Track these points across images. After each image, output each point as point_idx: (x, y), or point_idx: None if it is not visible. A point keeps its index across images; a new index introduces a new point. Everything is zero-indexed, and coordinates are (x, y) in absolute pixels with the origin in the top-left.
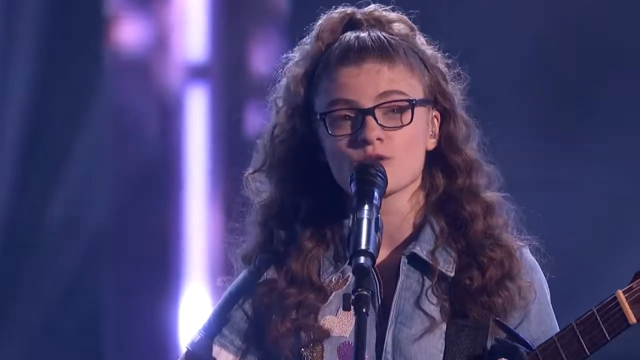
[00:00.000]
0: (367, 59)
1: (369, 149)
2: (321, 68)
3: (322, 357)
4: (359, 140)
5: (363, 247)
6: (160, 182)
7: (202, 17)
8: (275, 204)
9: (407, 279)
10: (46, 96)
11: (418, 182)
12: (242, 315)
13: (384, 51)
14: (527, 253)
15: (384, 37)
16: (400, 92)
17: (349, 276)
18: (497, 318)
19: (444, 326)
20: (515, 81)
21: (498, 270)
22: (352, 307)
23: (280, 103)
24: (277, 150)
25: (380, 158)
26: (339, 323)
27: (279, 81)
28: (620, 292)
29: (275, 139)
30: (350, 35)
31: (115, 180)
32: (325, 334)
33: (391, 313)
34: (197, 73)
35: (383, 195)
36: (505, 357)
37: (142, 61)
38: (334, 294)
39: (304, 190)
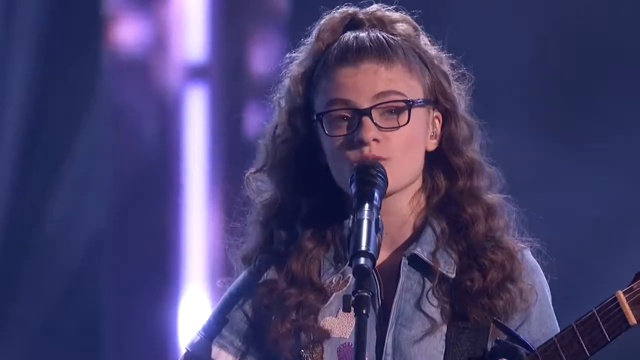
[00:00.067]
0: (365, 59)
1: (366, 149)
2: (320, 68)
3: (322, 358)
4: (355, 141)
5: (363, 248)
6: (160, 182)
7: (201, 16)
8: (276, 204)
9: (408, 280)
10: (45, 96)
11: (419, 184)
12: (242, 316)
13: (382, 51)
14: (528, 255)
15: (383, 37)
16: (398, 93)
17: (349, 277)
18: (497, 319)
19: (444, 328)
20: (515, 82)
21: (499, 273)
22: (352, 308)
23: (282, 103)
24: (278, 151)
25: (377, 159)
26: (339, 324)
27: (282, 81)
28: (620, 292)
29: (276, 139)
30: (349, 35)
31: (115, 181)
32: (325, 335)
33: (391, 314)
34: (197, 73)
35: (383, 196)
36: (505, 358)
37: (141, 61)
38: (334, 295)
39: (305, 191)
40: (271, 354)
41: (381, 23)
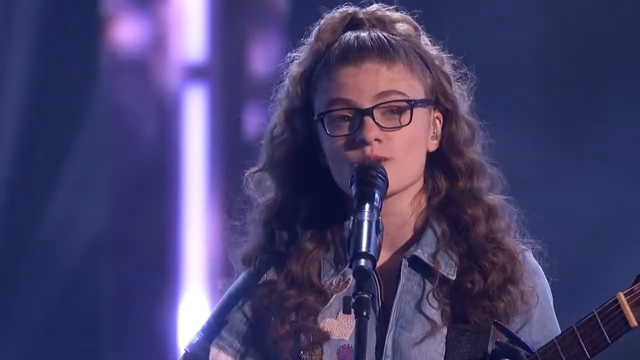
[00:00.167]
0: (367, 59)
1: (367, 149)
2: (321, 68)
3: (322, 359)
4: (357, 141)
5: (364, 249)
6: (159, 182)
7: (200, 16)
8: (276, 205)
9: (408, 282)
10: (44, 96)
11: (420, 185)
12: (242, 317)
13: (384, 51)
14: (529, 257)
15: (384, 37)
16: (400, 93)
17: (349, 279)
18: (498, 321)
19: (444, 330)
20: (515, 82)
21: (500, 275)
22: (352, 310)
23: (281, 103)
24: (277, 151)
25: (380, 159)
26: (338, 326)
27: (281, 82)
28: (621, 294)
29: (275, 139)
30: (350, 35)
31: (114, 181)
32: (325, 336)
33: (391, 316)
34: (196, 73)
35: (384, 197)
36: None
37: (140, 61)
38: (334, 296)
39: (304, 192)
40: (270, 356)
41: (381, 23)
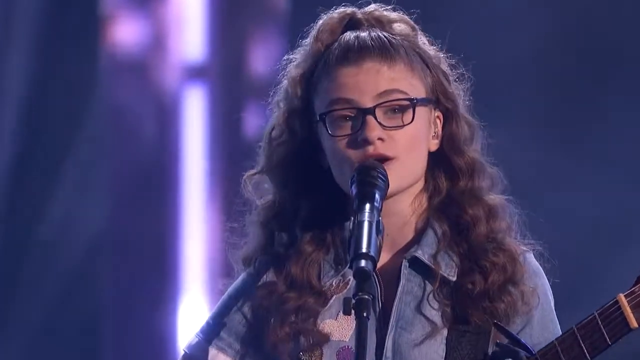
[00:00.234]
0: (367, 59)
1: (370, 149)
2: (320, 69)
3: None
4: (359, 140)
5: (364, 250)
6: (158, 182)
7: (200, 16)
8: (275, 207)
9: (409, 283)
10: (43, 96)
11: (420, 185)
12: (241, 318)
13: (384, 50)
14: (530, 258)
15: (384, 36)
16: (401, 92)
17: (349, 280)
18: (498, 322)
19: (445, 331)
20: (515, 82)
21: (501, 275)
22: (352, 311)
23: (280, 105)
24: (276, 153)
25: (383, 158)
26: (338, 327)
27: (281, 83)
28: (621, 295)
29: (273, 141)
30: (350, 35)
31: (113, 181)
32: (325, 338)
33: (392, 317)
34: (195, 73)
35: (384, 197)
36: None
37: (139, 61)
38: (334, 297)
39: (304, 193)
40: (270, 357)
41: (379, 23)
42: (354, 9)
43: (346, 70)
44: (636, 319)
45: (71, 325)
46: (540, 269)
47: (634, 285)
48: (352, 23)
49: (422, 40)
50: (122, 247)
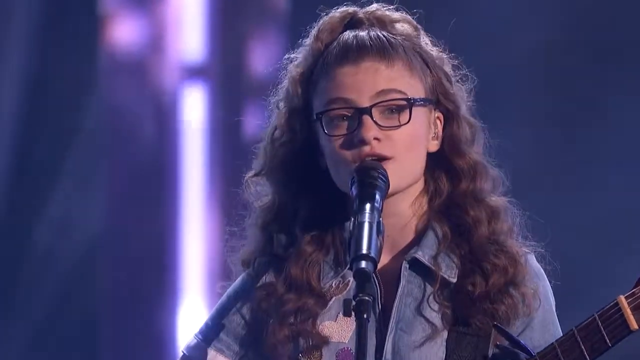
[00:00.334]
0: (366, 58)
1: (366, 149)
2: (320, 68)
3: None
4: (355, 140)
5: (364, 251)
6: (157, 182)
7: (199, 15)
8: (275, 208)
9: (409, 284)
10: (42, 95)
11: (421, 186)
12: (240, 319)
13: (383, 50)
14: (532, 260)
15: (383, 36)
16: (399, 91)
17: (349, 281)
18: (498, 324)
19: (445, 333)
20: (517, 83)
21: (501, 277)
22: (352, 312)
23: (280, 105)
24: (276, 153)
25: (380, 157)
26: (338, 329)
27: (280, 83)
28: (622, 297)
29: (275, 141)
30: (349, 34)
31: (112, 181)
32: (324, 340)
33: (391, 319)
34: (194, 73)
35: (385, 198)
36: None
37: (138, 61)
38: (333, 299)
39: (303, 194)
40: (269, 359)
41: (381, 22)
42: (355, 8)
43: (344, 69)
44: (636, 321)
45: (70, 326)
46: (542, 270)
47: (634, 287)
48: (353, 22)
49: (425, 40)
50: (122, 248)
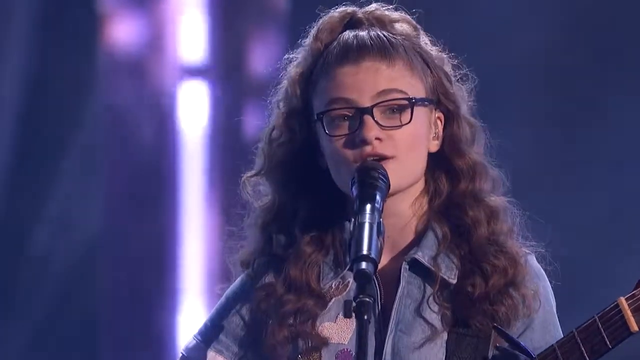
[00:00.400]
0: (366, 58)
1: (368, 149)
2: (320, 68)
3: None
4: (357, 140)
5: (365, 252)
6: (157, 183)
7: (198, 15)
8: (274, 208)
9: (408, 285)
10: (41, 95)
11: (421, 186)
12: (239, 320)
13: (383, 49)
14: (532, 260)
15: (383, 35)
16: (400, 91)
17: (349, 282)
18: (498, 325)
19: (444, 335)
20: (518, 83)
21: (501, 278)
22: (353, 314)
23: (279, 105)
24: (275, 154)
25: (381, 157)
26: (337, 330)
27: (280, 83)
28: (622, 299)
29: (273, 142)
30: (349, 34)
31: (111, 181)
32: (323, 341)
33: (391, 320)
34: (194, 73)
35: (385, 198)
36: None
37: (137, 60)
38: (333, 300)
39: (303, 194)
40: None
41: (380, 22)
42: (355, 8)
43: (345, 69)
44: (637, 323)
45: (70, 326)
46: (542, 271)
47: (634, 289)
48: (352, 22)
49: (425, 40)
50: (121, 248)
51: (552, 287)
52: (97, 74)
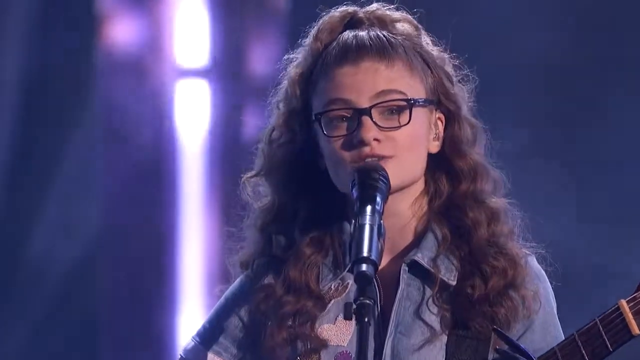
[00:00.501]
0: (366, 58)
1: (366, 149)
2: (319, 68)
3: None
4: (355, 141)
5: (365, 254)
6: (156, 183)
7: (198, 15)
8: (274, 209)
9: (408, 287)
10: (39, 95)
11: (421, 187)
12: (238, 322)
13: (382, 50)
14: (533, 262)
15: (383, 35)
16: (399, 92)
17: (348, 283)
18: (497, 328)
19: (444, 337)
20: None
21: (501, 280)
22: (353, 316)
23: (279, 106)
24: (275, 154)
25: (380, 157)
26: (336, 332)
27: (280, 83)
28: (623, 301)
29: (273, 142)
30: (348, 34)
31: (110, 182)
32: (323, 343)
33: (390, 323)
34: (193, 73)
35: (386, 200)
36: None
37: (136, 60)
38: (332, 301)
39: (302, 195)
40: None
41: (381, 22)
42: (355, 7)
43: (344, 69)
44: (638, 326)
45: (70, 326)
46: (543, 272)
47: (636, 291)
48: (352, 22)
49: (426, 40)
50: (121, 248)
51: (552, 288)
52: (97, 74)
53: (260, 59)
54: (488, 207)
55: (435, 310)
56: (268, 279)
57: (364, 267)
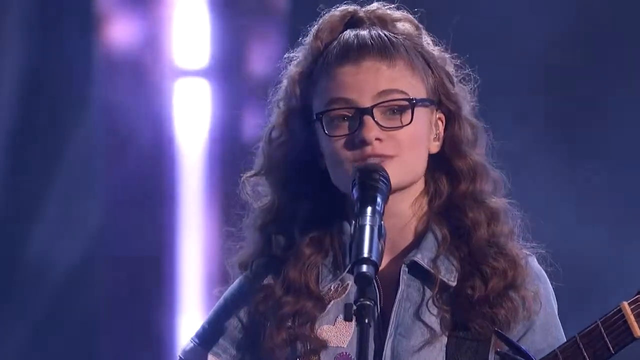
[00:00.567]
0: (367, 57)
1: (368, 149)
2: (320, 67)
3: None
4: (356, 141)
5: (365, 255)
6: (155, 184)
7: (198, 14)
8: (273, 209)
9: (408, 288)
10: (38, 95)
11: (421, 187)
12: (237, 323)
13: (384, 49)
14: (533, 262)
15: (384, 35)
16: (400, 92)
17: (348, 284)
18: (498, 329)
19: (444, 339)
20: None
21: (501, 281)
22: (353, 317)
23: (279, 105)
24: (275, 153)
25: (381, 157)
26: (336, 333)
27: (280, 82)
28: (625, 303)
29: (273, 141)
30: (349, 33)
31: (110, 182)
32: (322, 344)
33: (390, 324)
34: (192, 72)
35: (386, 200)
36: None
37: (135, 60)
38: (332, 302)
39: (302, 195)
40: None
41: (382, 21)
42: (356, 7)
43: (345, 69)
44: None
45: (70, 326)
46: (543, 273)
47: (638, 293)
48: (353, 21)
49: (426, 40)
50: (121, 248)
51: (553, 288)
52: (96, 74)
53: (260, 59)
54: (488, 207)
55: (435, 311)
56: (267, 280)
57: (364, 268)
